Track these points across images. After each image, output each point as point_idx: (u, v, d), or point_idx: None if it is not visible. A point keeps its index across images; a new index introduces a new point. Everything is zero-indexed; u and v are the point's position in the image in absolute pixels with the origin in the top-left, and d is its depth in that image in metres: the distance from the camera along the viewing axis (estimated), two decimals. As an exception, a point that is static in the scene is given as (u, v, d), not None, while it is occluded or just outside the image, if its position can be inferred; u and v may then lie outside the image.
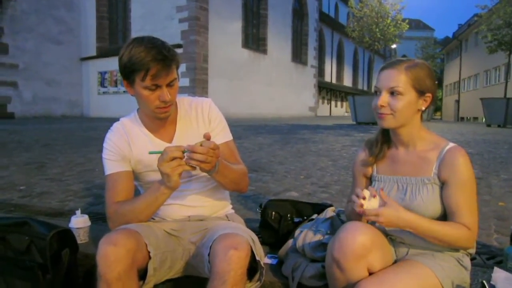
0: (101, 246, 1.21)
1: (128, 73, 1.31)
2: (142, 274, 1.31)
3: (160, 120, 1.42)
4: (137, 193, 1.53)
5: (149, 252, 1.30)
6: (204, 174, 1.46)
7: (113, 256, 1.18)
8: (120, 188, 1.45)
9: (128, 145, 1.47)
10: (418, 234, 1.20)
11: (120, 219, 1.39)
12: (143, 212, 1.37)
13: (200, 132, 1.48)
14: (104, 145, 1.49)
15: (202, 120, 1.51)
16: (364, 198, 1.16)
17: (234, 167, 1.44)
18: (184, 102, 1.54)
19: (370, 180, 1.42)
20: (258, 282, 1.31)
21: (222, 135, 1.53)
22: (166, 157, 1.21)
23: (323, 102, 35.82)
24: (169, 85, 1.33)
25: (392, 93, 1.24)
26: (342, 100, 41.05)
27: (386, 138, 1.37)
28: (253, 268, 1.27)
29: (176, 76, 1.35)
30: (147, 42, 1.30)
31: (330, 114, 37.03)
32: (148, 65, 1.26)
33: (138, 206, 1.37)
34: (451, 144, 1.27)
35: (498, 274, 1.25)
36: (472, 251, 1.31)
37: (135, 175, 1.51)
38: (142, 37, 1.34)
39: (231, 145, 1.55)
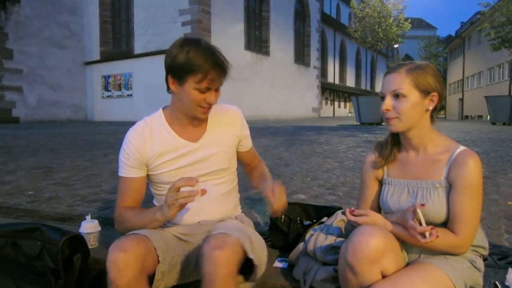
0: (111, 252, 1.21)
1: (182, 72, 1.34)
2: (152, 279, 1.30)
3: (196, 119, 1.46)
4: (148, 193, 1.54)
5: (158, 257, 1.30)
6: (217, 178, 1.53)
7: (123, 263, 1.18)
8: (129, 194, 1.47)
9: (149, 145, 1.46)
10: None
11: (122, 224, 1.44)
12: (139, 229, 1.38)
13: (226, 137, 1.55)
14: (123, 145, 1.48)
15: (230, 126, 1.57)
16: None
17: (268, 174, 1.65)
18: (214, 106, 1.56)
19: (380, 183, 1.41)
20: (253, 282, 1.31)
21: (247, 142, 1.67)
22: (173, 187, 1.23)
23: (326, 103, 35.81)
24: (217, 89, 1.41)
25: (396, 96, 1.24)
26: (345, 101, 41.02)
27: (396, 141, 1.36)
28: (252, 267, 1.27)
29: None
30: (205, 46, 1.35)
31: (334, 114, 37.00)
32: (209, 70, 1.32)
33: (135, 222, 1.39)
34: (463, 147, 1.25)
35: (513, 276, 1.24)
36: (485, 252, 1.30)
37: (150, 176, 1.51)
38: (197, 39, 1.38)
39: (253, 149, 1.73)
